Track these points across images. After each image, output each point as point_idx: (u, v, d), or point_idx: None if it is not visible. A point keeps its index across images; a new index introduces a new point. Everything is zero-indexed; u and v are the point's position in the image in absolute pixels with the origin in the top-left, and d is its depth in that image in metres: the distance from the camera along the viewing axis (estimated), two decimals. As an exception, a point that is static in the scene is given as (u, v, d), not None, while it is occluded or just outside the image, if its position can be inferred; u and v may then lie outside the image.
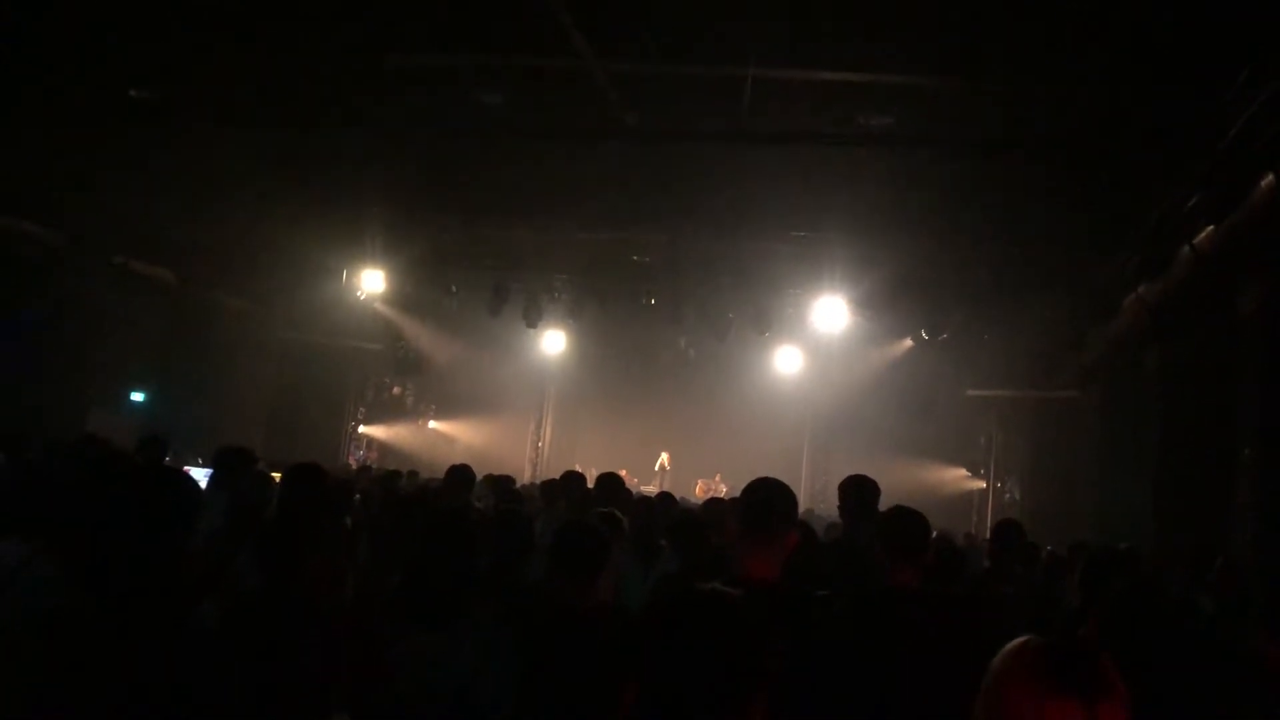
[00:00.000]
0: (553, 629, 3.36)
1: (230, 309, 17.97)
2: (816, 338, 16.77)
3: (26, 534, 2.78)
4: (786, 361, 18.91)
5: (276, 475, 5.99)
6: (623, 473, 11.71)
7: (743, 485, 3.69)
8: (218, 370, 17.76)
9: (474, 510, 7.04)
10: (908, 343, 17.01)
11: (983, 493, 19.45)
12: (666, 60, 8.72)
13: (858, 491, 5.13)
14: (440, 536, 3.43)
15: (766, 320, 15.94)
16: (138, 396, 17.01)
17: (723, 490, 18.27)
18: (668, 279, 15.59)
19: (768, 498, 3.69)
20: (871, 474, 5.29)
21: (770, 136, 9.96)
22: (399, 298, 17.60)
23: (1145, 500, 11.85)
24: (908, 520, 3.94)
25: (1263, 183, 7.77)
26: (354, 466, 17.44)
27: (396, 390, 22.75)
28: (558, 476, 8.61)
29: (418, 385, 22.72)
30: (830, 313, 14.75)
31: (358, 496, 8.01)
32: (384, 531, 5.60)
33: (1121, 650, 3.60)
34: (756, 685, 1.67)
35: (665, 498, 7.40)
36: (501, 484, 8.70)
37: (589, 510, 6.38)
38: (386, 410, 22.48)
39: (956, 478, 19.71)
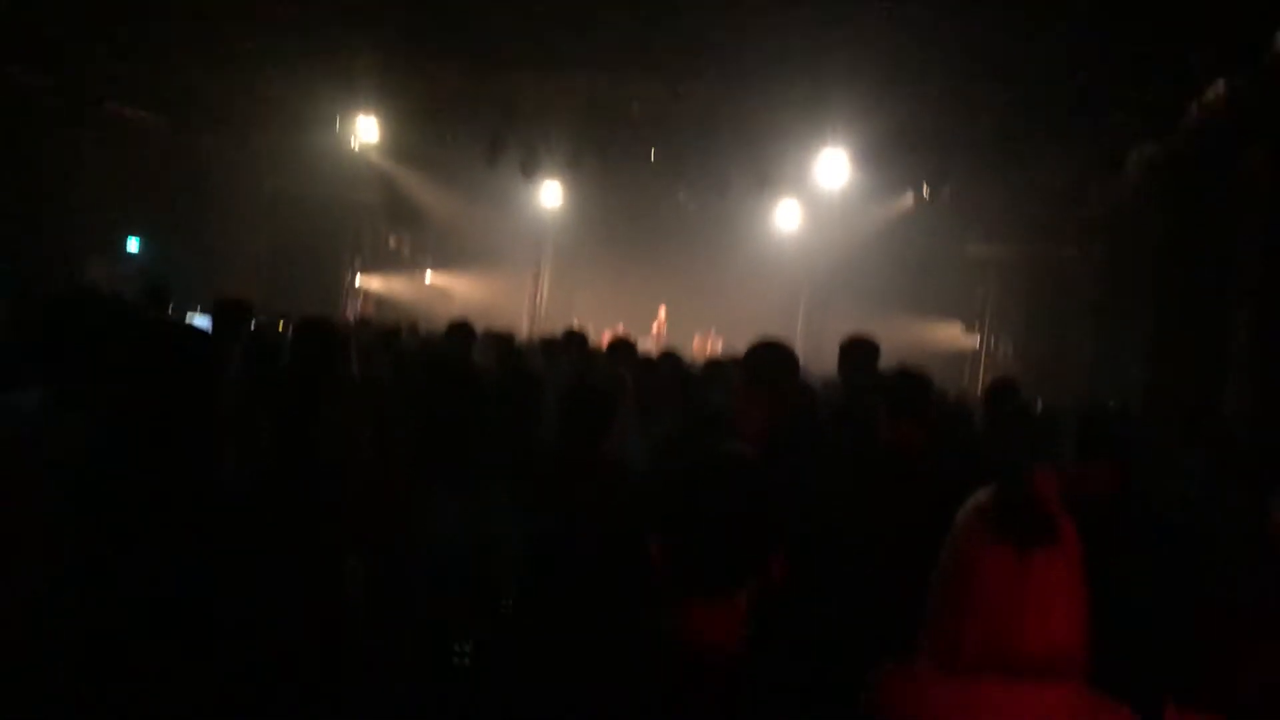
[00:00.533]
0: (563, 485, 3.44)
1: (223, 157, 17.71)
2: (816, 193, 16.58)
3: (45, 384, 2.72)
4: (786, 217, 18.78)
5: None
6: (619, 327, 11.80)
7: (738, 340, 3.75)
8: (212, 220, 17.63)
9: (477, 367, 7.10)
10: (909, 199, 16.87)
11: (975, 350, 19.57)
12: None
13: (859, 352, 5.17)
14: (455, 398, 3.48)
15: (766, 175, 15.75)
16: (133, 246, 16.93)
17: (718, 346, 18.38)
18: (667, 132, 15.32)
19: (771, 358, 3.75)
20: (864, 330, 5.34)
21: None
22: (394, 148, 17.34)
23: (1139, 359, 11.96)
24: (911, 380, 4.00)
25: (1278, 39, 7.62)
26: (350, 319, 17.45)
27: (393, 242, 22.59)
28: (556, 332, 8.66)
29: (414, 237, 22.54)
30: (831, 166, 14.54)
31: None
32: (387, 386, 5.64)
33: (1120, 503, 3.71)
34: (777, 541, 1.73)
35: (669, 357, 7.43)
36: (503, 341, 8.73)
37: (592, 369, 6.44)
38: (383, 262, 22.34)
39: (950, 335, 19.78)
